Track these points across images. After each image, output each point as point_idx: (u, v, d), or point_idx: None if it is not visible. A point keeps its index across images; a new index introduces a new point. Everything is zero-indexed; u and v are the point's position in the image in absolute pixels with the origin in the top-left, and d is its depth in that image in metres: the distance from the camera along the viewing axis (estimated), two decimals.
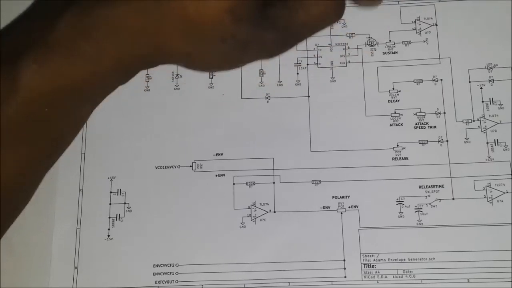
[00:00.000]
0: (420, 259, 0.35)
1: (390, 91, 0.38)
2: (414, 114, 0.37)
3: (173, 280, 0.35)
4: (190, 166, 0.37)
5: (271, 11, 0.24)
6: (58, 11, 0.24)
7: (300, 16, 0.24)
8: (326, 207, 0.36)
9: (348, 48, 0.39)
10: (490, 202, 0.35)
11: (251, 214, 0.36)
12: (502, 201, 0.35)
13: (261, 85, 0.38)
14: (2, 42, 0.25)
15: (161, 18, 0.23)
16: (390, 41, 0.39)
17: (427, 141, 0.37)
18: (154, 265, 0.36)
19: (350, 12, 0.39)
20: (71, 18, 0.24)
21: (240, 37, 0.24)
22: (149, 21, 0.23)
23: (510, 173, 0.36)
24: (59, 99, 0.25)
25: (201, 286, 0.35)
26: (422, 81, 0.38)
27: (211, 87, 0.39)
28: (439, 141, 0.37)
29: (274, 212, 0.36)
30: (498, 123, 0.37)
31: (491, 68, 0.38)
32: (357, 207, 0.36)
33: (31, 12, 0.27)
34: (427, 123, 0.37)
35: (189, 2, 0.22)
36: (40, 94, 0.24)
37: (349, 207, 0.36)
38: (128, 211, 0.37)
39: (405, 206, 0.36)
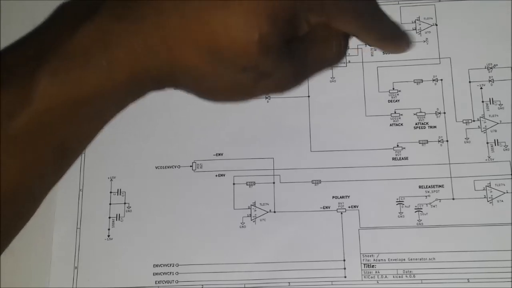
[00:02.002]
0: (420, 259, 0.35)
1: (390, 91, 0.38)
2: (414, 114, 0.37)
3: (173, 280, 0.35)
4: (190, 166, 0.37)
5: (291, 44, 0.24)
6: (76, 22, 0.24)
7: (314, 51, 0.26)
8: (326, 207, 0.36)
9: (348, 48, 0.39)
10: (490, 202, 0.35)
11: (251, 214, 0.36)
12: (502, 201, 0.35)
13: None
14: (16, 52, 0.25)
15: (183, 35, 0.23)
16: None
17: (427, 141, 0.37)
18: (154, 265, 0.36)
19: None
20: (90, 29, 0.24)
21: (261, 68, 0.24)
22: (170, 37, 0.23)
23: (510, 173, 0.36)
24: (71, 111, 0.25)
25: (201, 286, 0.35)
26: (422, 81, 0.38)
27: None
28: (439, 141, 0.37)
29: (274, 212, 0.36)
30: (498, 123, 0.37)
31: (491, 68, 0.38)
32: (357, 207, 0.36)
33: (46, 24, 0.27)
34: (427, 123, 0.37)
35: (219, 26, 0.23)
36: (53, 105, 0.24)
37: (349, 207, 0.36)
38: (128, 211, 0.37)
39: (405, 206, 0.36)
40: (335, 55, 0.27)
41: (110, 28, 0.23)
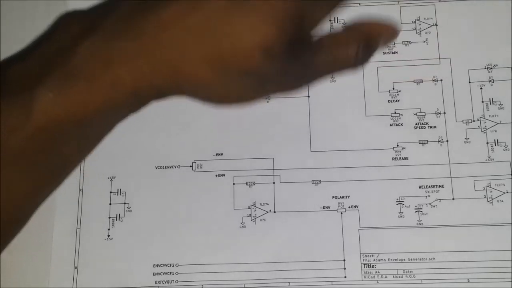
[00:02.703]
0: (420, 259, 0.35)
1: (390, 91, 0.38)
2: (414, 114, 0.37)
3: (173, 280, 0.35)
4: (190, 166, 0.37)
5: (297, 47, 0.24)
6: (76, 39, 0.24)
7: (323, 55, 0.25)
8: (326, 207, 0.36)
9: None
10: (490, 202, 0.35)
11: (251, 214, 0.36)
12: (502, 201, 0.35)
13: None
14: (17, 67, 0.25)
15: (187, 50, 0.23)
16: None
17: (427, 141, 0.37)
18: (154, 265, 0.36)
19: (350, 12, 0.39)
20: (90, 47, 0.23)
21: (265, 72, 0.24)
22: (172, 53, 0.23)
23: (510, 173, 0.36)
24: (72, 128, 0.24)
25: (201, 286, 0.35)
26: (422, 81, 0.38)
27: None
28: (439, 141, 0.37)
29: (274, 212, 0.36)
30: (498, 123, 0.37)
31: (491, 68, 0.38)
32: (357, 207, 0.36)
33: (46, 36, 0.26)
34: (427, 123, 0.37)
35: (224, 38, 0.22)
36: (53, 123, 0.23)
37: (349, 207, 0.36)
38: (128, 211, 0.37)
39: (405, 206, 0.36)
40: (351, 59, 0.26)
41: (111, 46, 0.23)
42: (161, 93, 0.26)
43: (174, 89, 0.25)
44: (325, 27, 0.27)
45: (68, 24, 0.25)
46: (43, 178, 0.26)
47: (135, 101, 0.25)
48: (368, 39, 0.27)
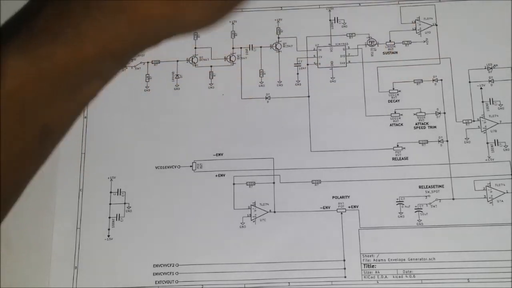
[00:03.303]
0: (420, 259, 0.35)
1: (390, 91, 0.38)
2: (414, 114, 0.37)
3: (173, 280, 0.35)
4: (190, 166, 0.37)
5: None
6: (41, 2, 0.24)
7: None
8: (326, 207, 0.36)
9: (348, 48, 0.39)
10: (490, 202, 0.35)
11: (251, 214, 0.36)
12: (502, 201, 0.35)
13: (261, 85, 0.38)
14: None
15: (135, 8, 0.23)
16: (390, 41, 0.39)
17: (427, 141, 0.37)
18: (154, 265, 0.36)
19: (350, 12, 0.39)
20: (54, 6, 0.24)
21: None
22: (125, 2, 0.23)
23: (510, 173, 0.36)
24: (47, 87, 0.24)
25: (201, 286, 0.35)
26: (422, 81, 0.38)
27: (211, 87, 0.39)
28: (439, 141, 0.37)
29: (274, 212, 0.36)
30: (498, 123, 0.37)
31: (491, 68, 0.38)
32: (357, 207, 0.36)
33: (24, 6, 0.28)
34: (427, 123, 0.37)
35: None
36: (26, 80, 0.23)
37: (349, 207, 0.36)
38: (128, 211, 0.37)
39: (405, 206, 0.36)
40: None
41: (73, 3, 0.24)
42: (133, 45, 0.25)
43: (145, 38, 0.25)
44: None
45: None
46: (25, 143, 0.26)
47: (107, 56, 0.25)
48: None
